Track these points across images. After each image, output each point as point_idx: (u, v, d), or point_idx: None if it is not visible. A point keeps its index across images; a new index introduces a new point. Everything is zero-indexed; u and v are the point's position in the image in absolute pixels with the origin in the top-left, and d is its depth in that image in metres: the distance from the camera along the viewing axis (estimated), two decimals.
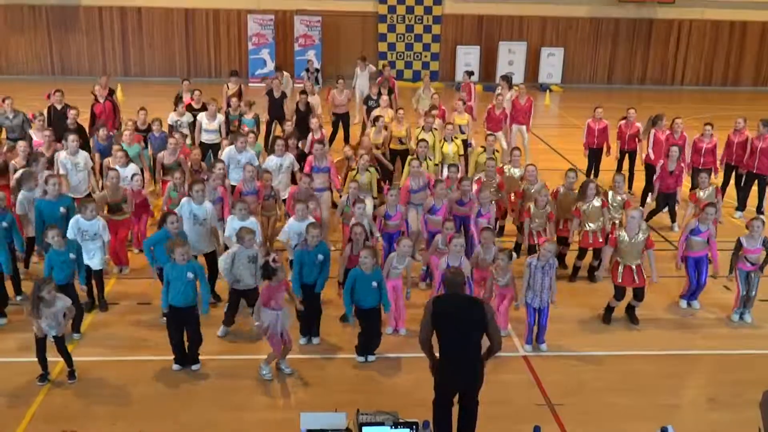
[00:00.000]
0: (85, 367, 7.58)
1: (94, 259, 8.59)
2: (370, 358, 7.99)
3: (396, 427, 5.06)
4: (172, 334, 7.65)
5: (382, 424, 5.08)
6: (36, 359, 7.29)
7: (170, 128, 12.77)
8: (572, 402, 7.23)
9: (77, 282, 8.14)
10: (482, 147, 11.98)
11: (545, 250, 8.04)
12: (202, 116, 12.94)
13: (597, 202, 9.74)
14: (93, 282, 8.75)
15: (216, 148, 12.71)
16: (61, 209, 8.91)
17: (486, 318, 5.98)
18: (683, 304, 9.41)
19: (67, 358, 7.40)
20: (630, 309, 8.95)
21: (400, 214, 9.72)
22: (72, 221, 8.54)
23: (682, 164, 11.65)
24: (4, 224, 8.54)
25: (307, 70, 19.85)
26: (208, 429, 6.73)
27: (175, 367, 7.73)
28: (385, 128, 12.66)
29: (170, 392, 7.29)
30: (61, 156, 10.58)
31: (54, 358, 7.36)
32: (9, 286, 8.85)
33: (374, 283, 7.78)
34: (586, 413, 7.06)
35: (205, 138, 12.84)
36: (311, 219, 8.94)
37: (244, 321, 8.47)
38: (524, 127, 14.78)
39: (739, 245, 8.78)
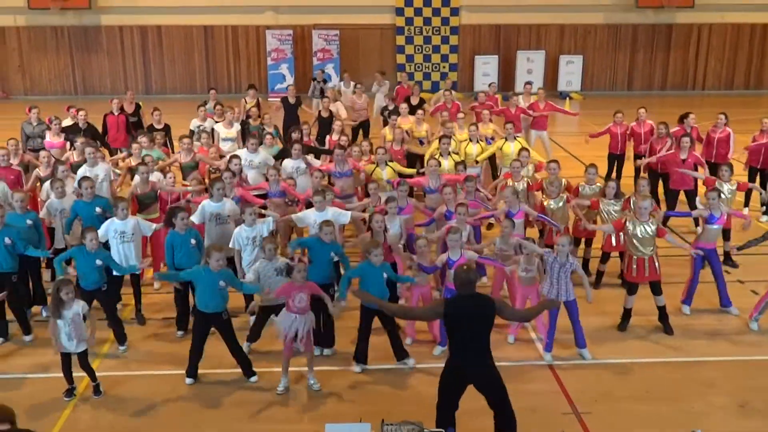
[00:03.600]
0: (110, 381, 7.63)
1: (132, 262, 8.47)
2: (410, 362, 7.90)
3: None
4: (195, 342, 7.55)
5: None
6: (61, 374, 7.34)
7: (191, 133, 12.81)
8: (599, 410, 7.16)
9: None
10: (503, 138, 11.93)
11: (560, 244, 7.90)
12: (219, 126, 12.93)
13: (617, 205, 9.59)
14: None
15: None
16: (97, 209, 8.96)
17: (496, 312, 5.97)
18: (686, 309, 9.22)
19: (91, 373, 7.40)
20: (663, 317, 8.75)
21: (411, 206, 9.52)
22: (105, 225, 8.45)
23: (696, 154, 11.42)
24: (29, 221, 8.54)
25: (314, 79, 18.99)
26: None
27: (188, 381, 7.60)
28: (406, 134, 12.47)
29: (195, 406, 7.31)
30: (81, 169, 10.45)
31: (79, 373, 7.41)
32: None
33: (384, 275, 7.59)
34: (614, 421, 6.98)
35: (225, 148, 12.67)
36: (329, 214, 8.71)
37: (267, 334, 8.48)
38: (544, 133, 14.71)
39: None
